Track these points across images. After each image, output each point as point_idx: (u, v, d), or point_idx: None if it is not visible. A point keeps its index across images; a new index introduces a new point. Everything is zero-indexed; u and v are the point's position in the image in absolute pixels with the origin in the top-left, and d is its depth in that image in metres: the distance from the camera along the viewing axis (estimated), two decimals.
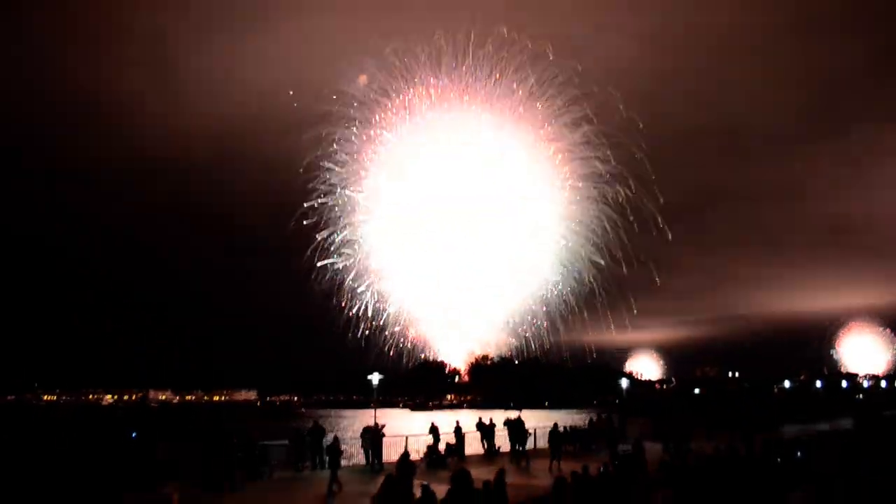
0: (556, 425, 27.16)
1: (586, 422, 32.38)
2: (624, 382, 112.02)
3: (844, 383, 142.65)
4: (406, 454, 16.85)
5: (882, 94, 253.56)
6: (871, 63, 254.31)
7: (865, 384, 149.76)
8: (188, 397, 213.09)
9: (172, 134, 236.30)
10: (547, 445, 28.81)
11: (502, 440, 27.60)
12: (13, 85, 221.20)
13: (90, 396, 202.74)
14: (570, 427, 29.86)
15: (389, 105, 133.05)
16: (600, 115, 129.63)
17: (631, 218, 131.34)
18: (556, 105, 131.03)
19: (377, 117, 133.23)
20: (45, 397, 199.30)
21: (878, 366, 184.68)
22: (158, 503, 3.80)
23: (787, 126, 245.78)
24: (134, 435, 18.66)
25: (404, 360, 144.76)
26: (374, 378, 42.09)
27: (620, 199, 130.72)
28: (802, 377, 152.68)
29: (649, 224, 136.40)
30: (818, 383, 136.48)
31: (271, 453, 21.28)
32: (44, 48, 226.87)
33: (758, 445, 18.16)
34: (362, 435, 23.64)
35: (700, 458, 17.81)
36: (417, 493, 7.30)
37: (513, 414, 28.90)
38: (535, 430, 31.73)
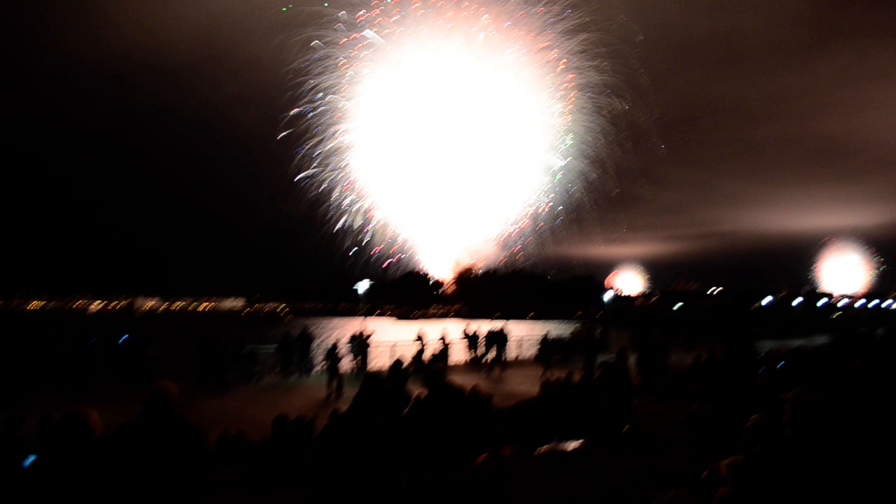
0: (546, 335, 27.72)
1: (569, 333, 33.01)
2: (608, 295, 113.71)
3: (822, 301, 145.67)
4: (399, 361, 17.17)
5: (878, 11, 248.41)
6: None
7: (842, 303, 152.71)
8: (175, 305, 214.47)
9: (154, 34, 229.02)
10: (531, 355, 29.56)
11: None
12: None
13: (78, 303, 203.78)
14: (555, 338, 30.41)
15: (381, 6, 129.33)
16: (598, 22, 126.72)
17: (624, 131, 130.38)
18: (554, 10, 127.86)
19: (368, 19, 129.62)
20: (33, 303, 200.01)
21: (858, 286, 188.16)
22: (156, 396, 3.83)
23: (784, 37, 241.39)
24: (124, 338, 18.77)
25: (391, 271, 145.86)
26: (362, 286, 42.61)
27: (615, 111, 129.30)
28: (782, 295, 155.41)
29: (642, 137, 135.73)
30: (796, 301, 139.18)
31: (259, 358, 21.65)
32: None
33: (737, 355, 18.55)
34: (349, 342, 24.04)
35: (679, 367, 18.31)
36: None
37: (497, 324, 29.48)
38: (521, 339, 32.41)
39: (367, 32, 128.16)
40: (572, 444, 7.17)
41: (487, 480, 5.96)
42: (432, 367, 7.87)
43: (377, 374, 6.42)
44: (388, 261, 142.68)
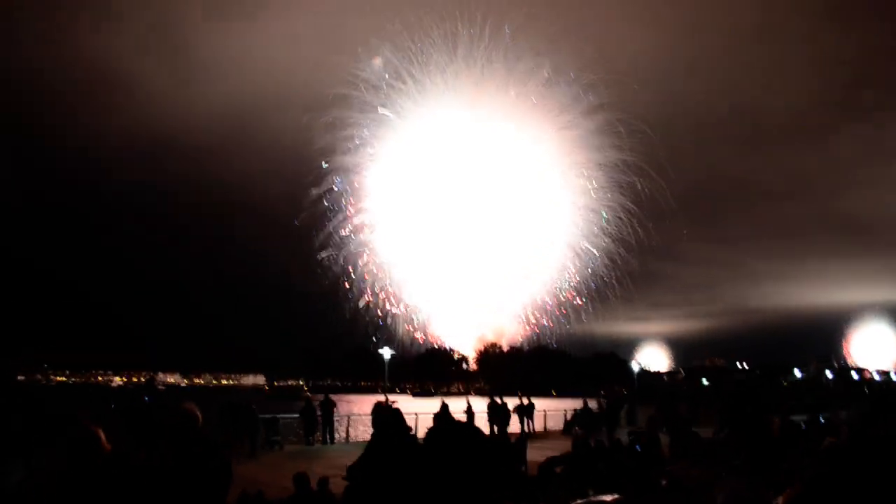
0: (586, 403, 27.86)
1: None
2: (635, 370, 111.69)
3: (855, 375, 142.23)
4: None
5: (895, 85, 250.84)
6: (892, 57, 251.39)
7: (877, 377, 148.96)
8: (196, 380, 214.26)
9: (182, 115, 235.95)
10: (557, 428, 29.11)
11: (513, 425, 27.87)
12: (23, 64, 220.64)
13: (99, 378, 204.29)
14: (581, 410, 30.13)
15: (403, 89, 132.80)
16: (617, 103, 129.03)
17: (645, 208, 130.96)
18: (573, 92, 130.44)
19: (390, 101, 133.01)
20: (56, 378, 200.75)
21: (889, 360, 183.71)
22: (184, 416, 3.83)
23: (805, 116, 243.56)
24: (147, 399, 18.64)
25: (412, 348, 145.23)
26: (385, 353, 42.40)
27: (636, 189, 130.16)
28: (812, 369, 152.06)
29: (663, 215, 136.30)
30: (828, 374, 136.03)
31: (282, 426, 21.42)
32: (55, 29, 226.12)
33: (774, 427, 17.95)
34: (373, 412, 23.70)
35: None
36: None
37: (524, 400, 29.46)
38: (545, 412, 31.96)
39: (390, 113, 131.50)
40: (608, 497, 6.87)
41: None
42: (442, 406, 7.66)
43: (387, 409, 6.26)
44: (410, 338, 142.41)
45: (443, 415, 6.36)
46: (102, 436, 3.69)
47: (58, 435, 4.01)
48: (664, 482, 7.78)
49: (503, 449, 8.26)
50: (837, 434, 3.58)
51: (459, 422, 6.38)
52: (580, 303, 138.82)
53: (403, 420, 6.10)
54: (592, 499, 7.03)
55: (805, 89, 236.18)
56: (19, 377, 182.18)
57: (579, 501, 7.02)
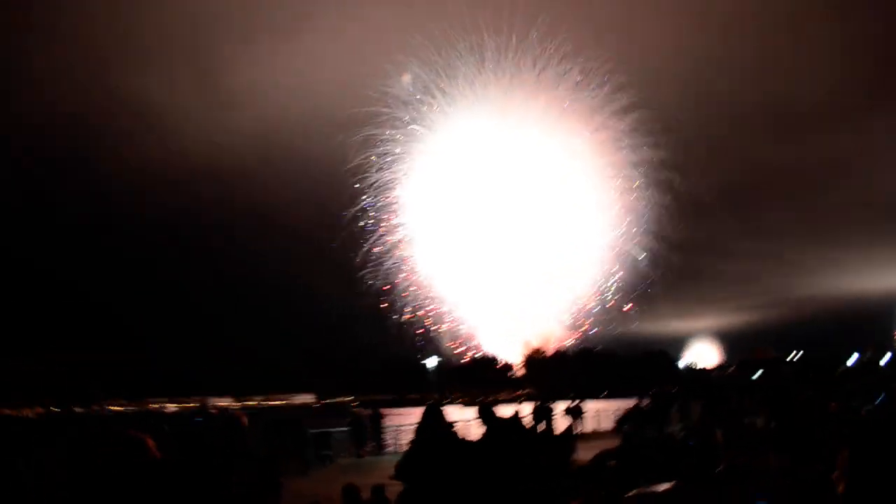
0: (638, 403, 27.79)
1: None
2: (683, 367, 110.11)
3: None
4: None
5: None
6: None
7: None
8: (248, 402, 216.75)
9: (212, 140, 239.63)
10: (608, 428, 28.90)
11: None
12: (58, 94, 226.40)
13: (153, 406, 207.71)
14: (632, 409, 29.96)
15: (433, 103, 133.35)
16: (649, 102, 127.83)
17: (683, 204, 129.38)
18: (603, 93, 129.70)
19: (421, 116, 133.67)
20: (113, 408, 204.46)
21: None
22: (228, 419, 3.94)
23: (839, 99, 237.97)
24: (199, 419, 19.01)
25: (458, 358, 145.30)
26: (432, 362, 42.49)
27: (674, 186, 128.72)
28: (868, 354, 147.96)
29: (702, 210, 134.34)
30: (885, 358, 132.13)
31: (332, 440, 21.61)
32: (87, 58, 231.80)
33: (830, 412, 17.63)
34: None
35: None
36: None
37: (573, 403, 29.48)
38: (598, 412, 31.81)
39: (421, 127, 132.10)
40: (662, 487, 6.81)
41: None
42: (485, 401, 7.65)
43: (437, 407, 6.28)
44: (455, 349, 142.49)
45: (484, 413, 6.36)
46: (151, 443, 3.77)
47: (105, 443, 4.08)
48: (720, 468, 7.69)
49: (549, 443, 8.22)
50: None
51: (502, 418, 6.38)
52: (625, 303, 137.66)
53: (443, 416, 6.13)
54: (646, 489, 6.98)
55: (837, 72, 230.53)
56: (77, 409, 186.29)
57: (633, 492, 6.97)
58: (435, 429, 5.75)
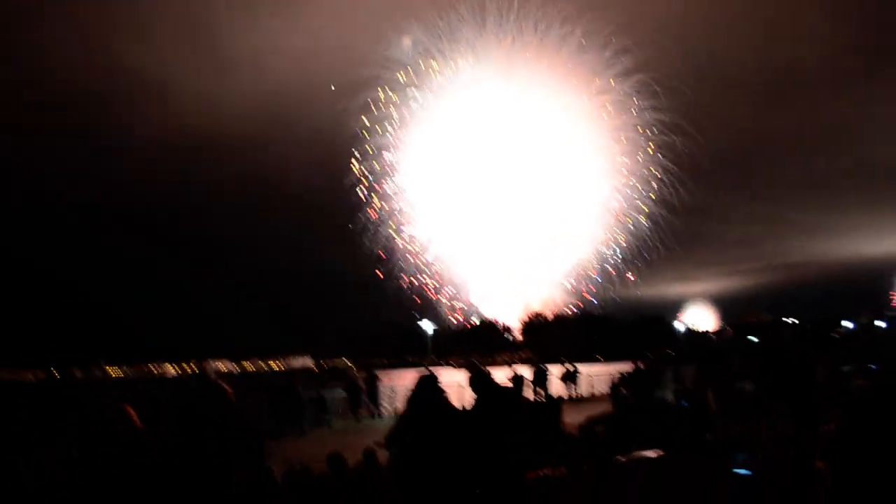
0: (636, 366, 28.07)
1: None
2: (680, 330, 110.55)
3: None
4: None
5: None
6: None
7: None
8: (246, 366, 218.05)
9: (213, 111, 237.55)
10: (603, 392, 29.09)
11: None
12: (59, 64, 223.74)
13: (154, 370, 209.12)
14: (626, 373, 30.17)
15: (434, 66, 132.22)
16: (650, 64, 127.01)
17: (683, 168, 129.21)
18: (605, 56, 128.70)
19: (422, 80, 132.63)
20: (113, 373, 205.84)
21: None
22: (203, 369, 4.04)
23: (838, 66, 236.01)
24: (195, 385, 19.03)
25: (457, 321, 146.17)
26: (427, 327, 42.86)
27: (675, 149, 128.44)
28: (863, 319, 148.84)
29: (701, 174, 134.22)
30: (882, 324, 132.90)
31: (329, 403, 21.76)
32: (87, 31, 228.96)
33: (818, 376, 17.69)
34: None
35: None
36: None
37: (569, 367, 29.58)
38: (591, 377, 31.99)
39: (423, 91, 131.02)
40: (652, 453, 6.82)
41: (564, 488, 5.71)
42: (477, 366, 7.59)
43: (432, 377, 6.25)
44: (454, 311, 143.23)
45: (475, 379, 6.32)
46: (133, 413, 3.77)
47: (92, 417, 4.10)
48: (709, 436, 7.72)
49: (539, 411, 8.22)
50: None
51: (494, 384, 6.35)
52: (625, 267, 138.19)
53: (437, 388, 6.11)
54: (635, 454, 6.99)
55: (838, 39, 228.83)
56: (77, 373, 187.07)
57: (621, 457, 6.99)
58: (427, 400, 5.71)
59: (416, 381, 6.02)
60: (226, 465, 4.04)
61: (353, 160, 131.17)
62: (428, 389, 5.90)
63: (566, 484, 5.67)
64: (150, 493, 3.63)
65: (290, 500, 7.69)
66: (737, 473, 4.10)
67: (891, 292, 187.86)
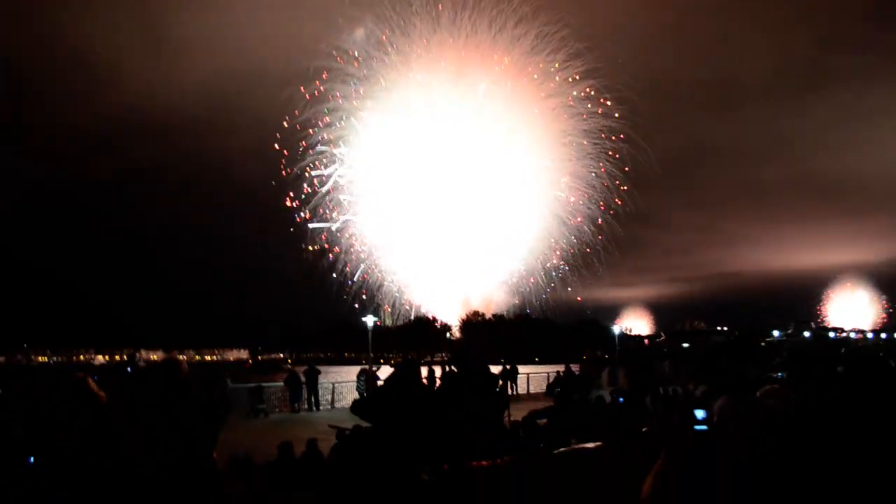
0: (568, 367, 28.32)
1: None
2: (616, 335, 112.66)
3: (832, 335, 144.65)
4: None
5: (873, 51, 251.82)
6: (866, 19, 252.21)
7: (853, 336, 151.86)
8: (180, 357, 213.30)
9: (159, 95, 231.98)
10: (540, 391, 29.51)
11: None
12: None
13: (81, 357, 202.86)
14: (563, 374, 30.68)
15: (386, 60, 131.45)
16: (599, 71, 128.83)
17: (626, 174, 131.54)
18: (558, 60, 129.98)
19: (373, 73, 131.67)
20: (39, 358, 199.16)
21: (866, 321, 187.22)
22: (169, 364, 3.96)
23: (780, 81, 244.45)
24: (130, 370, 18.66)
25: (396, 318, 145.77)
26: (368, 321, 42.82)
27: (618, 156, 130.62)
28: (790, 330, 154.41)
29: (644, 181, 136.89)
30: (806, 335, 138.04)
31: (267, 394, 21.53)
32: (27, 8, 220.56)
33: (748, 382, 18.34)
34: (358, 377, 23.93)
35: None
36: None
37: (507, 366, 29.89)
38: (527, 376, 32.39)
39: (373, 84, 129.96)
40: (591, 445, 7.00)
41: (507, 476, 5.82)
42: (465, 345, 7.68)
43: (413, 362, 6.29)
44: (393, 308, 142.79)
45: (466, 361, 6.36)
46: (93, 384, 3.72)
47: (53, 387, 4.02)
48: (645, 429, 7.94)
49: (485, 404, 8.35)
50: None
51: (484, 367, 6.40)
52: (565, 270, 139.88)
53: (418, 369, 6.15)
54: (575, 446, 7.16)
55: (780, 52, 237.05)
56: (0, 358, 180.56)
57: (562, 450, 7.14)
58: (407, 381, 5.75)
59: (400, 364, 6.04)
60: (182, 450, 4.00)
61: (298, 151, 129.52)
62: (410, 372, 5.94)
63: (508, 473, 5.78)
64: (118, 471, 3.56)
65: (239, 487, 7.64)
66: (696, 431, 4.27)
67: (822, 305, 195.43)
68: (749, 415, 3.81)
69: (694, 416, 3.91)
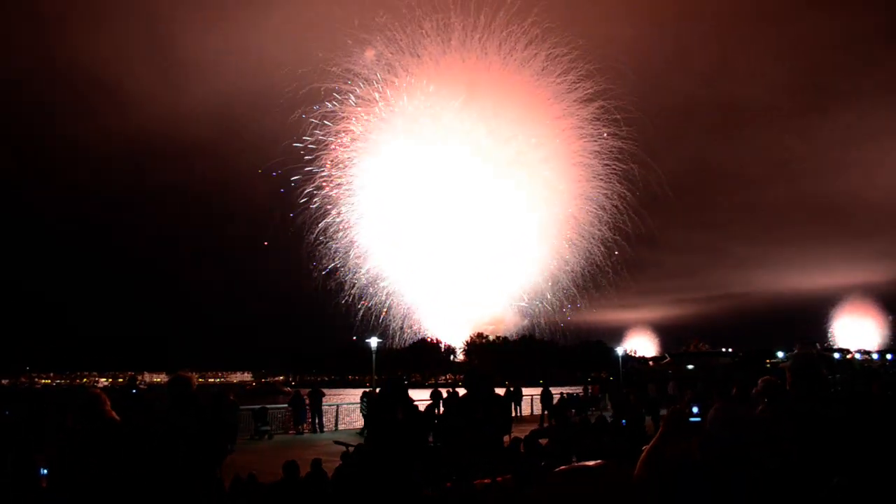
0: (586, 390, 28.37)
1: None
2: (620, 356, 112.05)
3: (837, 356, 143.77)
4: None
5: (876, 71, 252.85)
6: (868, 41, 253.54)
7: (858, 357, 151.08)
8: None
9: (170, 113, 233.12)
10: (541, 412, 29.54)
11: None
12: (8, 63, 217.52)
13: (84, 380, 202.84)
14: (568, 394, 30.75)
15: (396, 82, 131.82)
16: (609, 92, 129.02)
17: (635, 196, 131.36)
18: (568, 81, 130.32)
19: (383, 94, 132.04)
20: (41, 381, 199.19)
21: (872, 342, 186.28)
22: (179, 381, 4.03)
23: (784, 103, 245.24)
24: (134, 392, 18.75)
25: (401, 341, 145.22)
26: (373, 343, 42.87)
27: (628, 177, 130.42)
28: (795, 351, 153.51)
29: (651, 203, 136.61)
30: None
31: (271, 416, 21.54)
32: (38, 29, 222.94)
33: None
34: (362, 399, 23.94)
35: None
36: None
37: (511, 388, 29.97)
38: (532, 398, 32.36)
39: (383, 106, 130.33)
40: (591, 462, 7.09)
41: (508, 493, 5.91)
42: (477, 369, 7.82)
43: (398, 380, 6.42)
44: (399, 330, 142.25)
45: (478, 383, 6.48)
46: (107, 400, 3.83)
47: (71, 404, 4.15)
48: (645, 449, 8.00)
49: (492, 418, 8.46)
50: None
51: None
52: (574, 292, 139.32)
53: (405, 387, 6.27)
54: (576, 464, 7.24)
55: (785, 75, 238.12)
56: (3, 381, 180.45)
57: (563, 467, 7.22)
58: (395, 398, 5.88)
59: (386, 382, 6.18)
60: (190, 472, 4.11)
61: (304, 172, 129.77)
62: (397, 389, 6.07)
63: (509, 490, 5.88)
64: (125, 482, 3.68)
65: None
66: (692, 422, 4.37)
67: (827, 326, 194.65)
68: (741, 421, 3.92)
69: (690, 411, 4.03)
